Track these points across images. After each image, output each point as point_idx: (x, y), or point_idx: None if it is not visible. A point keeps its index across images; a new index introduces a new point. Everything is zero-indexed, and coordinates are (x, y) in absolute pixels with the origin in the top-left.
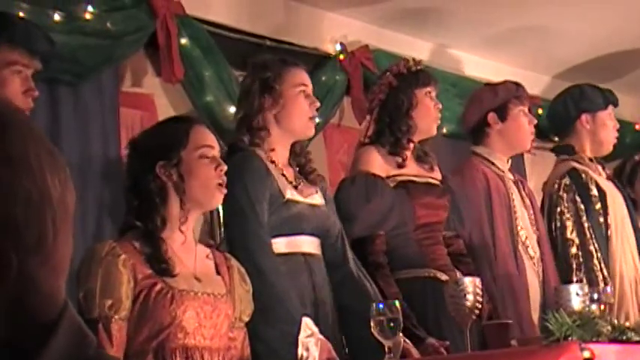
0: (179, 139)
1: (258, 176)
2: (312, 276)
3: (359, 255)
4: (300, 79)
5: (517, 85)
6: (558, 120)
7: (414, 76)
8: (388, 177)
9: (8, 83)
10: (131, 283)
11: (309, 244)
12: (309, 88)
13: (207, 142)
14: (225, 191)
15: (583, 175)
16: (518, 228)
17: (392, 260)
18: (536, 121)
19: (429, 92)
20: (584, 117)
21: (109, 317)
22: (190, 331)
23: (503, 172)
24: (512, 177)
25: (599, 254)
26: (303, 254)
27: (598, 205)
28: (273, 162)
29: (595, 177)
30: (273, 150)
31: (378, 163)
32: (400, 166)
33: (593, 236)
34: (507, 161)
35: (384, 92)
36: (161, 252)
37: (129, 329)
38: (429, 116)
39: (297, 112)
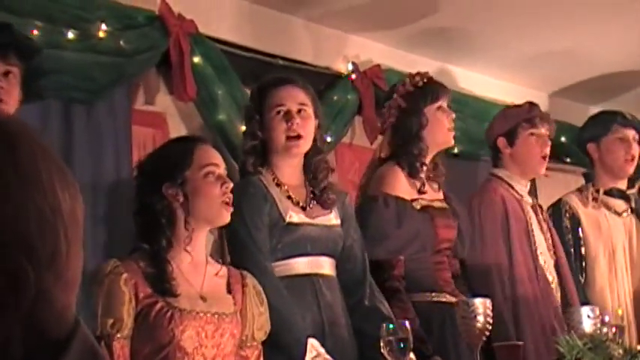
0: (183, 160)
1: (255, 202)
2: (318, 296)
3: (377, 278)
4: (277, 99)
5: (531, 106)
6: (578, 150)
7: (422, 92)
8: (412, 200)
9: None
10: (132, 302)
11: (317, 265)
12: (289, 105)
13: (212, 161)
14: (231, 209)
15: (561, 207)
16: (538, 252)
17: (409, 284)
18: (549, 143)
19: (440, 106)
20: (589, 147)
21: (111, 336)
22: (190, 350)
23: (521, 195)
24: (530, 201)
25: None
26: (309, 275)
27: (568, 237)
28: (279, 184)
29: (577, 208)
30: (279, 171)
31: (404, 186)
32: (420, 191)
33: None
34: (526, 185)
35: (393, 115)
36: (166, 273)
37: (132, 347)
38: (441, 130)
39: (275, 133)
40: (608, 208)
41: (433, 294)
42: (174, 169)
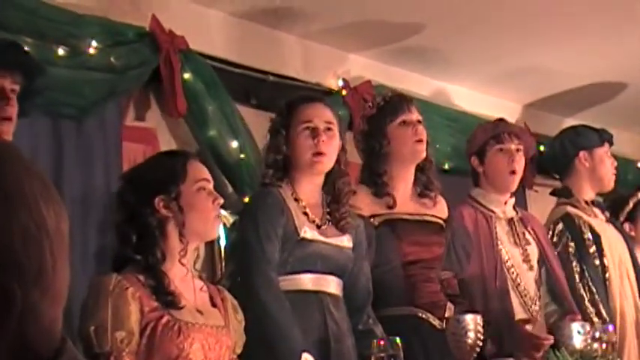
0: (177, 173)
1: (271, 213)
2: (325, 314)
3: None
4: (305, 115)
5: (497, 122)
6: (557, 161)
7: (382, 112)
8: (374, 216)
9: None
10: (138, 316)
11: (326, 283)
12: (316, 122)
13: (204, 176)
14: (218, 226)
15: (576, 220)
16: (508, 265)
17: (377, 297)
18: (516, 157)
19: (403, 121)
20: (581, 154)
21: (121, 350)
22: None
23: (493, 212)
24: (503, 215)
25: (596, 297)
26: (317, 292)
27: (593, 249)
28: (297, 199)
29: (589, 220)
30: (298, 187)
31: (366, 204)
32: (390, 207)
33: (588, 280)
34: (505, 202)
35: (360, 141)
36: (165, 285)
37: None
38: (406, 145)
39: (301, 150)
40: (597, 217)
41: (402, 308)
42: (168, 182)
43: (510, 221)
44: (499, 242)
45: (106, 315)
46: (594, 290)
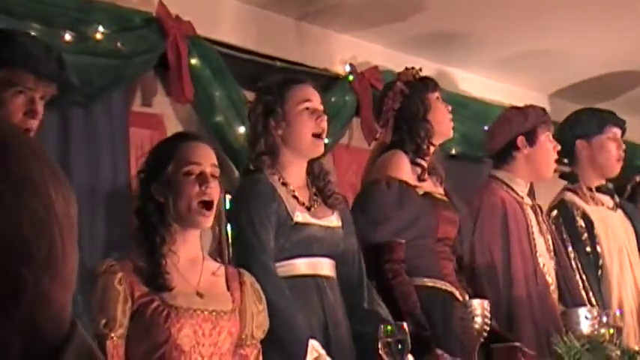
0: (165, 158)
1: (263, 200)
2: (323, 298)
3: (377, 261)
4: (303, 95)
5: (543, 110)
6: (562, 147)
7: (422, 82)
8: (415, 186)
9: (8, 104)
10: (128, 302)
11: (321, 266)
12: (315, 103)
13: (193, 159)
14: (209, 212)
15: (569, 207)
16: (538, 255)
17: (411, 268)
18: (559, 147)
19: (438, 97)
20: (579, 143)
21: (103, 335)
22: (187, 349)
23: (522, 197)
24: (530, 202)
25: (586, 284)
26: (314, 276)
27: (584, 236)
28: (284, 184)
29: (584, 207)
30: (288, 172)
31: (407, 171)
32: (420, 179)
33: (579, 267)
34: (526, 186)
35: (397, 100)
36: (160, 267)
37: (127, 347)
38: (444, 118)
39: (301, 130)
40: (602, 204)
41: (436, 281)
42: (158, 169)
43: (533, 208)
44: (532, 230)
45: (92, 300)
46: (584, 277)
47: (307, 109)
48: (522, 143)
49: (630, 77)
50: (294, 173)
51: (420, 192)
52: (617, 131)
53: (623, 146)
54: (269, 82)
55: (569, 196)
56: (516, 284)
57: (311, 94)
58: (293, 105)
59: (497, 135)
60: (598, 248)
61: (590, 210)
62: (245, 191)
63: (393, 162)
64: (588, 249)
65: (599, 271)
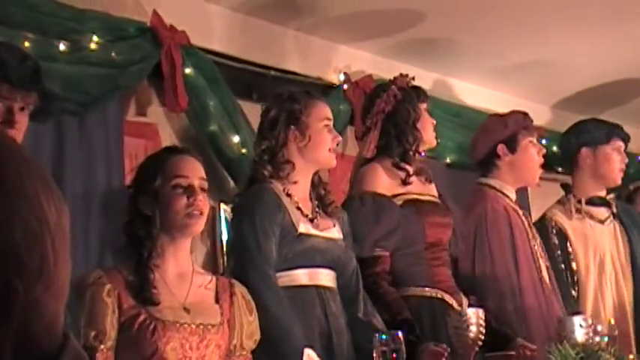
0: (153, 172)
1: (268, 210)
2: (326, 308)
3: (362, 274)
4: (326, 112)
5: (525, 115)
6: (563, 154)
7: (415, 91)
8: (394, 196)
9: None
10: (116, 313)
11: (323, 277)
12: (331, 122)
13: (181, 173)
14: (199, 221)
15: (547, 223)
16: (541, 261)
17: (401, 278)
18: (544, 151)
19: (426, 108)
20: (583, 151)
21: (93, 347)
22: None
23: (515, 204)
24: (519, 209)
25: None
26: (317, 287)
27: (557, 253)
28: (289, 195)
29: (564, 223)
30: (295, 183)
31: (383, 182)
32: (404, 183)
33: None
34: (514, 193)
35: (390, 104)
36: (147, 281)
37: (116, 358)
38: (429, 129)
39: (322, 145)
40: (592, 217)
41: (426, 289)
42: (146, 182)
43: (524, 214)
44: (530, 237)
45: (80, 311)
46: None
47: (327, 126)
48: (503, 151)
49: (630, 86)
50: (302, 185)
51: (404, 199)
52: (622, 144)
53: (626, 160)
54: (292, 91)
55: (552, 211)
56: (526, 292)
57: (330, 113)
58: (316, 119)
59: (479, 144)
60: (573, 265)
61: (570, 225)
62: (251, 200)
63: (366, 176)
64: (562, 265)
65: (575, 287)
